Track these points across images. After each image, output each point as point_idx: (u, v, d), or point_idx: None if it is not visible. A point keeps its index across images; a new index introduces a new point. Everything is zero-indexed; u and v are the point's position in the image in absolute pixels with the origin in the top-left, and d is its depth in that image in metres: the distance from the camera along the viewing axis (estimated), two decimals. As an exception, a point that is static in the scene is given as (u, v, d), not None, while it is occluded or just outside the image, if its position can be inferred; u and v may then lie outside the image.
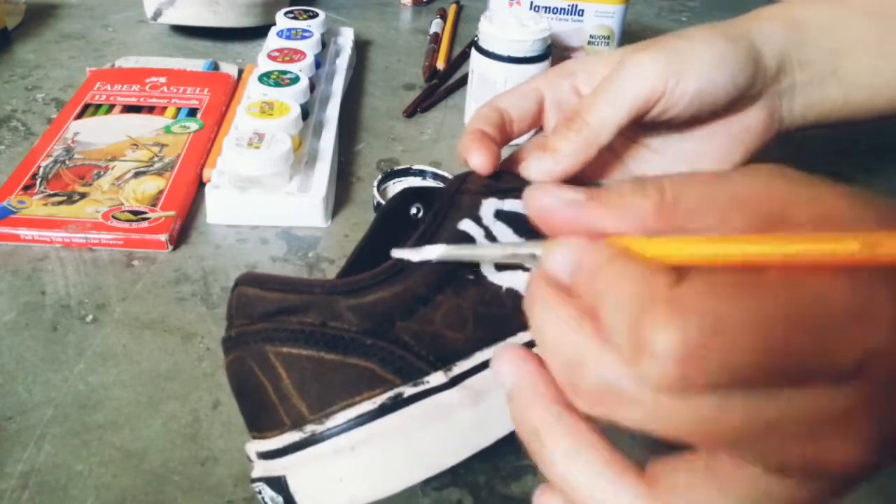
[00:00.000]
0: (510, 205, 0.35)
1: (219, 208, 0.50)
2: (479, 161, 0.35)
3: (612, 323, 0.20)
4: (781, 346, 0.18)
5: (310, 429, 0.29)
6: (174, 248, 0.48)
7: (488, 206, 0.34)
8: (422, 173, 0.54)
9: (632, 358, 0.19)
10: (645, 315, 0.18)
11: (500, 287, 0.32)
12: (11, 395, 0.38)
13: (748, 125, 0.40)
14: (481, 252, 0.30)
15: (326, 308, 0.30)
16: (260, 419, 0.30)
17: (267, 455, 0.29)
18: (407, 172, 0.54)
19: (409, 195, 0.40)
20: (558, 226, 0.23)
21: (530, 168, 0.36)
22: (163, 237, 0.47)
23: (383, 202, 0.50)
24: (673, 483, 0.21)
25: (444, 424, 0.29)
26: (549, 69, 0.41)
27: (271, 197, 0.49)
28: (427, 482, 0.35)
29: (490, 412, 0.30)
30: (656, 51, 0.37)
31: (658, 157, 0.40)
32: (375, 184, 0.52)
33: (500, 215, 0.34)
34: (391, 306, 0.31)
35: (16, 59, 0.69)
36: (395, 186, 0.53)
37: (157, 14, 0.71)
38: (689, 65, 0.37)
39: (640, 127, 0.39)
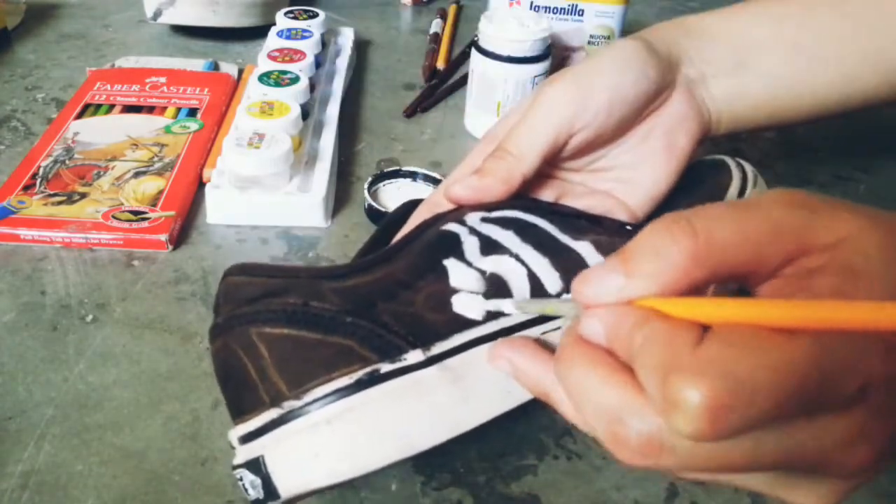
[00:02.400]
0: (498, 213, 0.35)
1: (219, 208, 0.50)
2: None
3: (646, 382, 0.22)
4: (796, 392, 0.20)
5: (287, 405, 0.29)
6: (174, 248, 0.48)
7: (474, 216, 0.35)
8: (413, 174, 0.54)
9: (665, 415, 0.21)
10: (672, 376, 0.20)
11: (484, 271, 0.32)
12: (11, 395, 0.38)
13: (675, 114, 0.41)
14: (518, 305, 0.31)
15: (309, 290, 0.31)
16: (242, 401, 0.30)
17: (247, 437, 0.29)
18: (397, 174, 0.54)
19: (413, 206, 0.40)
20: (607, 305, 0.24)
21: (457, 186, 0.37)
22: (163, 237, 0.47)
23: (375, 204, 0.50)
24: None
25: (421, 402, 0.29)
26: (480, 140, 0.41)
27: (271, 197, 0.49)
28: (427, 482, 0.35)
29: (470, 395, 0.30)
30: (565, 79, 0.38)
31: (605, 174, 0.41)
32: (366, 186, 0.52)
33: (487, 220, 0.34)
34: (373, 289, 0.31)
35: (16, 59, 0.69)
36: (386, 188, 0.53)
37: (157, 14, 0.71)
38: (595, 79, 0.38)
39: (579, 152, 0.40)
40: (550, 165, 0.39)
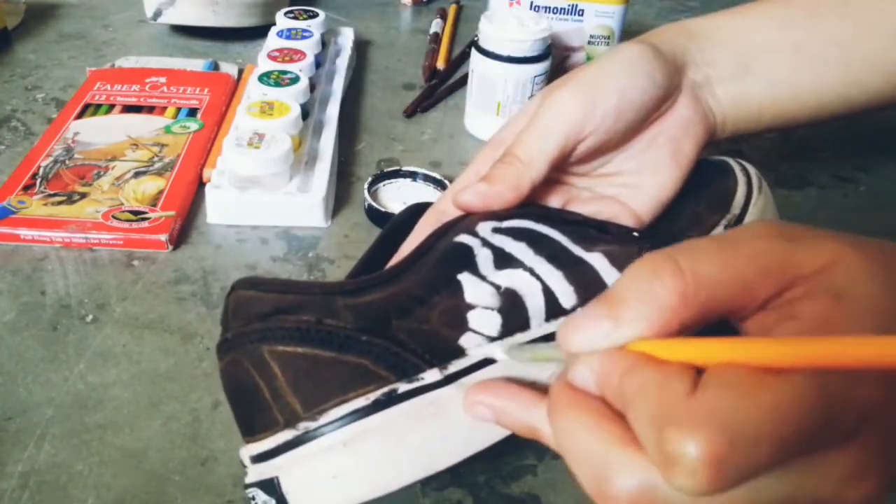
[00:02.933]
0: (509, 223, 0.35)
1: (219, 208, 0.50)
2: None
3: (641, 434, 0.21)
4: (795, 434, 0.20)
5: (303, 426, 0.28)
6: (174, 248, 0.48)
7: (485, 226, 0.34)
8: (413, 175, 0.54)
9: (662, 468, 0.20)
10: (668, 429, 0.20)
11: (499, 286, 0.32)
12: (11, 395, 0.38)
13: (681, 118, 0.41)
14: (508, 352, 0.30)
15: (323, 307, 0.30)
16: (254, 421, 0.30)
17: (260, 457, 0.29)
18: (397, 174, 0.54)
19: (418, 210, 0.40)
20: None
21: (467, 193, 0.36)
22: (163, 237, 0.47)
23: (375, 204, 0.50)
24: None
25: (439, 422, 0.29)
26: (485, 145, 0.41)
27: (271, 197, 0.49)
28: (427, 482, 0.35)
29: None
30: (571, 83, 0.38)
31: (611, 179, 0.41)
32: (366, 186, 0.52)
33: (499, 230, 0.34)
34: (387, 305, 0.31)
35: (16, 59, 0.69)
36: (386, 188, 0.53)
37: (157, 14, 0.71)
38: (602, 84, 0.38)
39: (586, 157, 0.40)
40: (557, 170, 0.39)
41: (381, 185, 0.54)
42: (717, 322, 0.24)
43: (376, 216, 0.50)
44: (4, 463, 0.34)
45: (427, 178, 0.54)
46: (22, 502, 0.33)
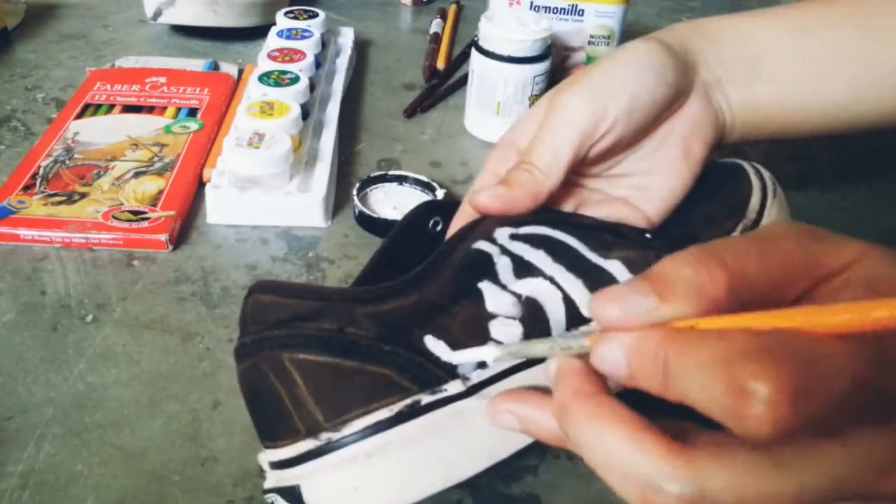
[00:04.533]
0: (526, 229, 0.34)
1: (219, 208, 0.50)
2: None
3: (695, 389, 0.20)
4: (860, 381, 0.20)
5: (325, 436, 0.28)
6: (174, 248, 0.48)
7: (502, 232, 0.34)
8: (401, 179, 0.54)
9: (732, 412, 0.19)
10: (737, 365, 0.19)
11: (519, 295, 0.32)
12: (11, 395, 0.38)
13: (691, 118, 0.40)
14: (532, 349, 0.28)
15: (343, 314, 0.30)
16: (273, 427, 0.30)
17: (280, 465, 0.29)
18: (384, 178, 0.54)
19: (429, 208, 0.39)
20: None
21: (485, 195, 0.36)
22: (163, 237, 0.47)
23: (364, 209, 0.50)
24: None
25: (462, 433, 0.29)
26: (494, 147, 0.41)
27: (271, 197, 0.49)
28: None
29: None
30: (581, 87, 0.38)
31: (622, 180, 0.41)
32: (355, 191, 0.51)
33: (517, 237, 0.34)
34: (409, 314, 0.31)
35: (16, 59, 0.69)
36: (374, 193, 0.53)
37: (157, 14, 0.71)
38: (612, 85, 0.37)
39: (598, 158, 0.39)
40: (571, 173, 0.39)
41: (369, 189, 0.53)
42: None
43: (366, 222, 0.50)
44: (4, 463, 0.34)
45: (416, 182, 0.53)
46: (22, 502, 0.33)
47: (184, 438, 0.36)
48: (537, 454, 0.36)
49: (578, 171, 0.40)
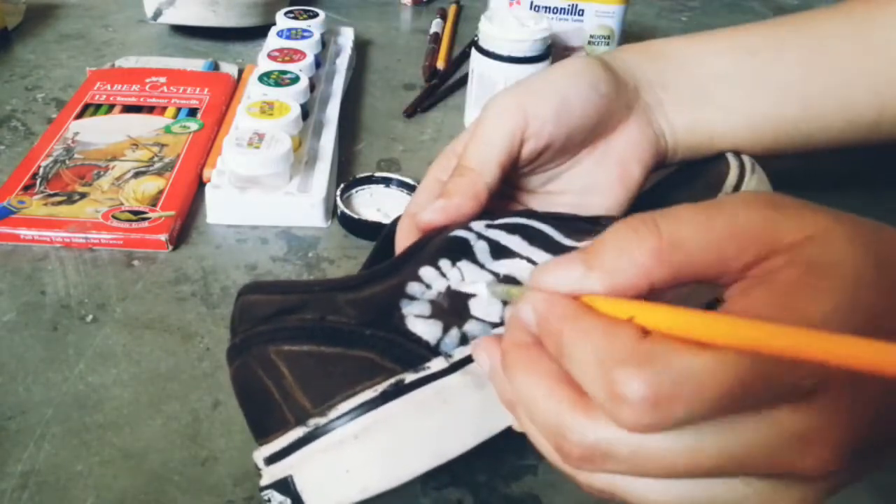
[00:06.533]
0: (501, 220, 0.35)
1: (219, 208, 0.50)
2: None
3: (581, 376, 0.22)
4: (741, 387, 0.20)
5: (313, 422, 0.29)
6: (174, 248, 0.48)
7: (478, 223, 0.35)
8: (386, 181, 0.54)
9: (608, 406, 0.21)
10: (616, 369, 0.21)
11: (497, 274, 0.32)
12: (11, 395, 0.38)
13: (631, 140, 0.41)
14: (473, 288, 0.31)
15: (325, 304, 0.30)
16: (265, 422, 0.30)
17: (273, 458, 0.29)
18: (370, 180, 0.54)
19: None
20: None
21: (427, 213, 0.36)
22: (163, 237, 0.47)
23: (347, 211, 0.50)
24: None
25: (448, 409, 0.29)
26: (438, 156, 0.41)
27: (271, 197, 0.49)
28: (427, 482, 0.35)
29: (495, 399, 0.30)
30: (512, 90, 0.39)
31: (559, 197, 0.41)
32: (338, 192, 0.51)
33: (492, 226, 0.34)
34: (389, 297, 0.31)
35: (16, 59, 0.69)
36: (359, 195, 0.53)
37: (157, 14, 0.71)
38: (541, 89, 0.38)
39: (533, 171, 0.40)
40: (509, 186, 0.39)
41: (353, 191, 0.53)
42: (707, 301, 0.24)
43: (349, 223, 0.50)
44: (4, 463, 0.34)
45: (401, 185, 0.53)
46: (22, 502, 0.33)
47: (184, 438, 0.36)
48: (537, 454, 0.36)
49: (515, 183, 0.40)
